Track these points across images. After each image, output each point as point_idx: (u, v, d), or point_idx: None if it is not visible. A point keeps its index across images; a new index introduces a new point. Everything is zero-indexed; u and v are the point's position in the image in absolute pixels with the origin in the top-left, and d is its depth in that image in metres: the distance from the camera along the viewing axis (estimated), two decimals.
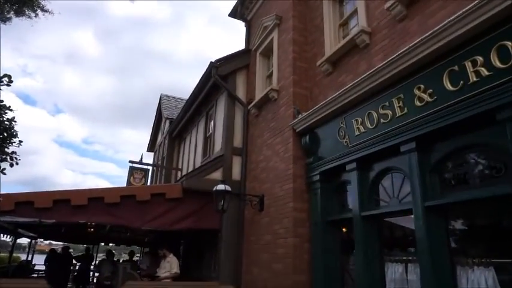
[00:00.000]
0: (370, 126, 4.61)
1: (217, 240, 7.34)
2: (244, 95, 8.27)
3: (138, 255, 17.91)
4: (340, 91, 4.99)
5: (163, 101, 14.84)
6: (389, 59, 4.15)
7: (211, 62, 8.09)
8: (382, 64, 4.26)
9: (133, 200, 6.81)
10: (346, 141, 5.05)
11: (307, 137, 5.75)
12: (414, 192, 3.91)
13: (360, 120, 4.78)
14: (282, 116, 6.43)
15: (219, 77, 8.07)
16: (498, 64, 3.14)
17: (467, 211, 3.55)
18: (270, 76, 7.65)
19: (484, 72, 3.25)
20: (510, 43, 3.04)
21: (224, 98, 8.36)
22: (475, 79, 3.33)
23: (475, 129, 3.43)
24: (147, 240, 13.80)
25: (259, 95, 7.43)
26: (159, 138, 15.52)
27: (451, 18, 3.43)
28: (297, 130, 5.95)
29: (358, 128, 4.82)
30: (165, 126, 13.95)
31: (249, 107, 7.76)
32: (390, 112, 4.30)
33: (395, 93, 4.21)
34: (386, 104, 4.35)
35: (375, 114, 4.53)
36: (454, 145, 3.65)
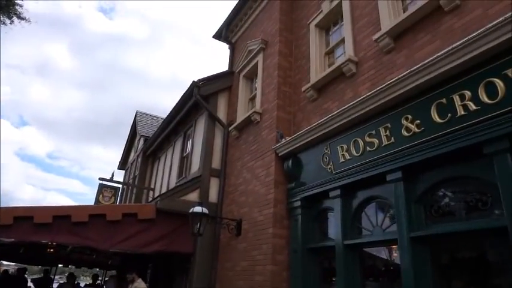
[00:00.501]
0: (355, 154, 4.62)
1: (189, 265, 7.02)
2: (225, 116, 8.23)
3: (101, 278, 16.89)
4: (326, 117, 5.01)
5: (138, 118, 14.48)
6: (377, 89, 4.21)
7: (193, 82, 8.00)
8: (370, 93, 4.31)
9: (103, 219, 6.42)
10: (330, 168, 5.02)
11: (290, 161, 5.70)
12: (399, 222, 3.88)
13: (345, 147, 4.78)
14: (264, 139, 6.39)
15: (201, 97, 7.97)
16: (486, 99, 3.22)
17: (452, 243, 3.54)
18: (252, 99, 7.67)
19: (472, 106, 3.33)
20: (498, 80, 3.14)
21: (204, 118, 8.26)
22: (463, 112, 3.40)
23: (462, 162, 3.48)
24: (110, 262, 13.06)
25: (241, 117, 7.40)
26: (132, 156, 15.04)
27: (440, 54, 3.53)
28: (280, 154, 5.90)
29: (343, 154, 4.81)
30: (139, 143, 13.56)
31: (230, 128, 7.70)
32: (377, 140, 4.33)
33: (382, 122, 4.26)
34: (373, 132, 4.38)
35: (361, 142, 4.55)
36: (440, 176, 3.68)
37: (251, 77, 7.95)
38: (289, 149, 5.72)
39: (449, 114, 3.52)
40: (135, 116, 14.84)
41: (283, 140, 5.81)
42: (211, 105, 8.12)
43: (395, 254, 4.18)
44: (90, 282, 13.48)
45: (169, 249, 6.83)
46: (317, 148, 5.34)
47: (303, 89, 5.99)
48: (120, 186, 11.03)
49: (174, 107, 9.30)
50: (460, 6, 3.78)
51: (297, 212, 5.49)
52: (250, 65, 7.70)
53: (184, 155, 9.36)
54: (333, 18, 6.13)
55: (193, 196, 7.35)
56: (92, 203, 10.91)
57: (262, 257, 5.49)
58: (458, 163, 3.52)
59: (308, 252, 5.21)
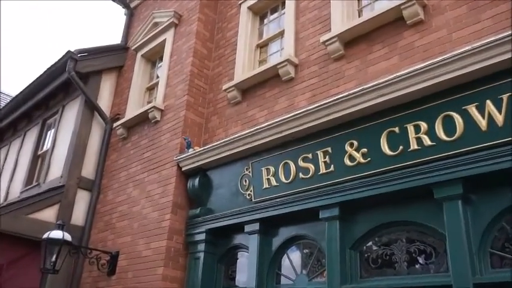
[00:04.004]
0: (284, 180, 4.83)
1: None
2: (108, 107, 8.01)
3: None
4: (252, 129, 5.16)
5: None
6: (320, 104, 4.50)
7: (69, 52, 7.56)
8: (311, 107, 4.59)
9: None
10: (249, 194, 5.17)
11: (197, 179, 5.72)
12: (330, 271, 4.16)
13: (272, 169, 4.98)
14: (165, 145, 6.32)
15: (77, 75, 7.56)
16: (443, 135, 3.70)
17: None
18: (152, 89, 7.57)
19: (427, 141, 3.79)
20: (457, 115, 3.64)
21: (78, 106, 7.90)
22: (416, 147, 3.85)
23: (409, 204, 3.91)
24: None
25: (133, 111, 7.24)
26: None
27: (399, 74, 3.95)
28: (184, 169, 5.88)
29: (268, 179, 4.99)
30: None
31: (114, 125, 7.48)
32: (312, 167, 4.59)
33: (322, 145, 4.55)
34: (309, 156, 4.65)
35: (292, 166, 4.77)
36: (383, 218, 4.07)
37: (153, 58, 7.82)
38: (197, 163, 5.73)
39: (400, 147, 3.93)
40: None
41: (191, 150, 5.80)
42: (90, 88, 7.80)
43: None
44: None
45: None
46: (235, 166, 5.44)
47: (224, 87, 6.09)
48: None
49: (33, 81, 8.65)
50: (423, 22, 4.29)
51: (198, 247, 5.51)
52: (154, 43, 7.58)
53: (40, 153, 8.86)
54: (272, 3, 6.39)
55: (49, 214, 6.94)
56: None
57: None
58: (404, 205, 3.93)
59: None
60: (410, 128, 3.90)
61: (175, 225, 5.67)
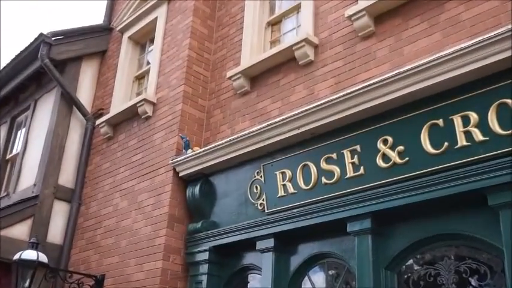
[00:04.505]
0: (303, 186, 4.79)
1: None
2: (90, 100, 8.09)
3: None
4: (263, 125, 5.14)
5: None
6: (346, 92, 4.45)
7: (41, 35, 7.63)
8: (335, 97, 4.54)
9: None
10: (261, 204, 5.14)
11: (198, 187, 5.73)
12: None
13: (288, 173, 4.93)
14: (158, 146, 6.33)
15: (51, 62, 7.62)
16: (497, 128, 3.62)
17: None
18: (142, 78, 7.55)
19: (478, 135, 3.69)
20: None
21: (53, 100, 7.97)
22: (464, 143, 3.77)
23: (457, 214, 3.88)
24: None
25: (119, 105, 7.28)
26: None
27: (441, 54, 3.87)
28: (181, 174, 5.89)
29: (284, 185, 4.95)
30: None
31: (97, 122, 7.53)
32: (338, 169, 4.54)
33: (349, 142, 4.50)
34: (334, 156, 4.60)
35: (313, 169, 4.73)
36: (425, 232, 4.03)
37: (142, 41, 7.84)
38: (197, 167, 5.73)
39: (445, 143, 3.86)
40: None
41: (189, 152, 5.78)
42: (67, 78, 7.83)
43: None
44: None
45: None
46: (243, 171, 5.42)
47: (229, 74, 6.06)
48: None
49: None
50: None
51: (200, 269, 5.50)
52: (144, 23, 7.61)
53: (9, 157, 8.97)
54: None
55: (21, 231, 7.01)
56: None
57: None
58: (451, 215, 3.88)
59: None
60: (458, 120, 3.84)
61: (172, 243, 5.65)
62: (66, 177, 7.47)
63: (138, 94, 7.35)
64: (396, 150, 4.16)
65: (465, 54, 3.77)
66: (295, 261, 4.89)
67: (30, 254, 5.54)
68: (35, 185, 7.36)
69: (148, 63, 7.51)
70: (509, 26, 3.52)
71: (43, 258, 5.61)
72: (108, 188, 6.90)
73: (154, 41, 7.31)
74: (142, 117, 6.73)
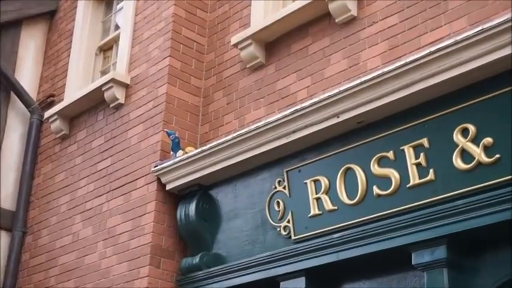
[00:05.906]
0: (346, 200, 4.06)
1: None
2: (35, 83, 7.33)
3: None
4: (286, 113, 4.36)
5: None
6: (406, 62, 3.64)
7: None
8: (389, 69, 3.72)
9: None
10: (286, 227, 4.44)
11: (193, 205, 5.04)
12: None
13: (324, 182, 4.22)
14: (134, 147, 5.57)
15: None
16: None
17: None
18: (109, 49, 6.88)
19: None
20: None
21: None
22: None
23: None
24: None
25: (76, 89, 6.51)
26: None
27: None
28: (169, 187, 5.19)
29: (318, 199, 4.24)
30: None
31: (46, 114, 6.72)
32: (396, 174, 3.80)
33: (412, 134, 3.77)
34: (389, 155, 3.84)
35: (360, 174, 4.01)
36: None
37: None
38: (192, 176, 5.06)
39: None
40: None
41: (180, 154, 5.06)
42: (2, 52, 6.96)
43: None
44: None
45: None
46: (258, 180, 4.81)
47: (234, 40, 5.29)
48: None
49: None
50: None
51: None
52: None
53: None
54: None
55: None
56: None
57: None
58: None
59: None
60: None
61: (158, 286, 4.92)
62: (4, 195, 6.68)
63: (104, 73, 6.58)
64: (482, 143, 3.38)
65: None
66: None
67: None
68: None
69: (117, 27, 6.73)
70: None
71: None
72: (65, 209, 6.17)
73: None
74: (111, 105, 5.96)
